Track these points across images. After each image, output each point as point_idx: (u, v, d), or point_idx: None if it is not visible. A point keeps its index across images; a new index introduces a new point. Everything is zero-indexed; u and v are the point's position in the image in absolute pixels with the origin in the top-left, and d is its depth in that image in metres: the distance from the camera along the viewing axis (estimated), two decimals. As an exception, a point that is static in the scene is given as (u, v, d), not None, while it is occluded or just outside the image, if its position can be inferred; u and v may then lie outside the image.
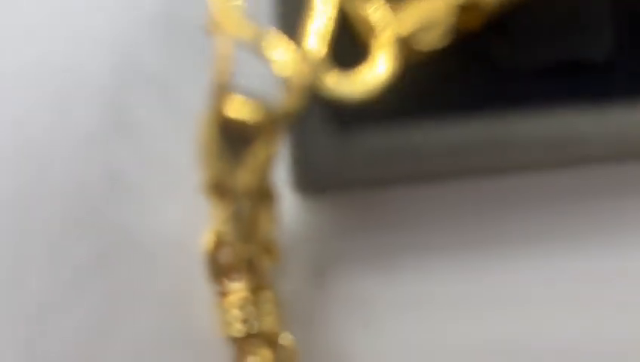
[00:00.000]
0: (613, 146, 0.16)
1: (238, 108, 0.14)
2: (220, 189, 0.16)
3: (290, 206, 0.18)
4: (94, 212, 0.18)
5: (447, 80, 0.16)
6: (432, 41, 0.14)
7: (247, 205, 0.17)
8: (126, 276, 0.18)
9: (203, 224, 0.17)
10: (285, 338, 0.18)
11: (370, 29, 0.14)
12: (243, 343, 0.18)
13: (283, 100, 0.14)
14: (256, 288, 0.18)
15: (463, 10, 0.15)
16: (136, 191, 0.18)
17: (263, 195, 0.17)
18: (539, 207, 0.18)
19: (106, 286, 0.18)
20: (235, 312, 0.17)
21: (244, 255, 0.17)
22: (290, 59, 0.13)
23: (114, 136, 0.18)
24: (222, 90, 0.14)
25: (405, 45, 0.14)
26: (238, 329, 0.18)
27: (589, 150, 0.16)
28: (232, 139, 0.15)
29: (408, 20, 0.14)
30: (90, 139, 0.18)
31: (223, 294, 0.18)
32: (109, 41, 0.19)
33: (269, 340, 0.18)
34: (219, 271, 0.18)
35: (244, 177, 0.15)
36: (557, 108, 0.16)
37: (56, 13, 0.20)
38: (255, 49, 0.14)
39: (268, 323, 0.18)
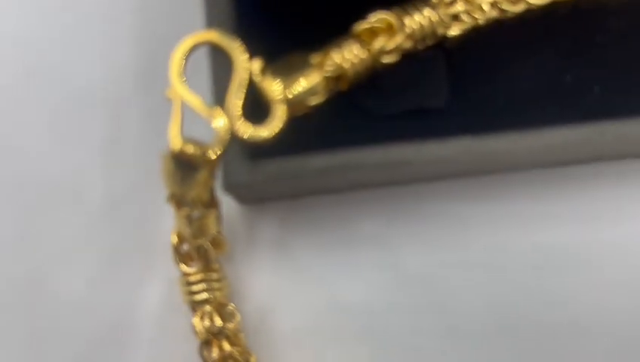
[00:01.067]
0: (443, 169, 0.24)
1: (189, 148, 0.22)
2: (177, 201, 0.23)
3: (231, 211, 0.26)
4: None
5: (329, 121, 0.23)
6: (313, 100, 0.22)
7: (198, 212, 0.24)
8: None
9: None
10: (230, 307, 0.25)
11: (270, 96, 0.21)
12: (198, 309, 0.25)
13: (216, 142, 0.21)
14: (207, 270, 0.25)
15: (332, 79, 0.22)
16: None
17: (209, 204, 0.24)
18: (386, 210, 0.25)
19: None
20: (192, 287, 0.25)
21: (197, 247, 0.25)
22: (219, 119, 0.21)
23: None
24: (176, 138, 0.21)
25: (293, 105, 0.21)
26: (194, 298, 0.25)
27: (424, 171, 0.24)
28: (185, 168, 0.22)
29: (296, 89, 0.22)
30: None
31: (184, 275, 0.25)
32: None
33: (218, 308, 0.26)
34: (181, 259, 0.25)
35: (193, 192, 0.23)
36: (410, 141, 0.24)
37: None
38: (199, 112, 0.21)
39: (217, 295, 0.25)
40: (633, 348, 0.26)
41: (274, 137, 0.21)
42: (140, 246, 0.25)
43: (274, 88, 0.21)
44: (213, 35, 0.22)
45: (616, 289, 0.26)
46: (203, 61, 0.22)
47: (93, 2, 0.27)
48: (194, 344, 0.24)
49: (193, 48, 0.22)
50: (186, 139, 0.21)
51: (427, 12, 0.23)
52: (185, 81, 0.21)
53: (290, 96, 0.21)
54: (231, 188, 0.22)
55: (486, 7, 0.24)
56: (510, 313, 0.26)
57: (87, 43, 0.25)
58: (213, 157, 0.21)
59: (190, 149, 0.21)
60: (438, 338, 0.26)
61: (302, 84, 0.22)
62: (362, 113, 0.24)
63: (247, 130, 0.21)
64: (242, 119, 0.21)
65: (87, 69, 0.25)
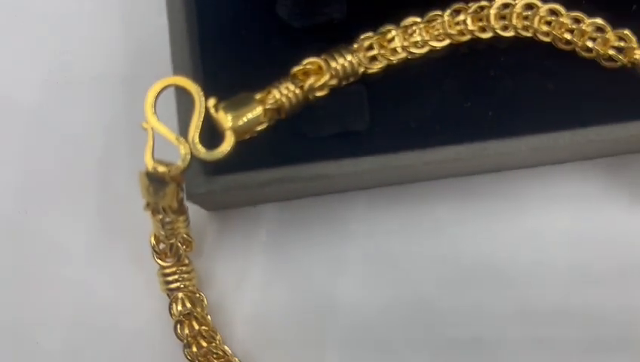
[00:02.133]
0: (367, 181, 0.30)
1: (160, 167, 0.28)
2: (152, 209, 0.29)
3: (199, 217, 0.32)
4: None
5: (272, 144, 0.29)
6: (258, 127, 0.28)
7: (169, 217, 0.30)
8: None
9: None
10: (198, 294, 0.31)
11: (222, 126, 0.27)
12: (172, 295, 0.31)
13: (180, 163, 0.27)
14: (179, 264, 0.31)
15: (273, 111, 0.28)
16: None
17: (178, 211, 0.30)
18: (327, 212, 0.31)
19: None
20: (167, 278, 0.31)
21: (170, 246, 0.31)
22: (182, 145, 0.27)
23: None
24: (149, 159, 0.27)
25: (241, 132, 0.27)
26: (169, 287, 0.31)
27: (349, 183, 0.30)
28: (157, 183, 0.28)
29: (243, 119, 0.27)
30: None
31: (161, 268, 0.31)
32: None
33: (188, 295, 0.31)
34: (158, 255, 0.31)
35: (164, 202, 0.28)
36: (335, 159, 0.30)
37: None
38: (168, 139, 0.27)
39: (187, 284, 0.31)
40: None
41: (225, 157, 0.27)
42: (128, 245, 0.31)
43: (225, 120, 0.27)
44: (178, 80, 0.28)
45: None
46: (171, 98, 0.28)
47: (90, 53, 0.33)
48: (170, 324, 0.31)
49: (163, 90, 0.28)
50: (157, 161, 0.27)
51: (349, 56, 0.29)
52: (156, 114, 0.27)
53: (239, 125, 0.27)
54: (192, 197, 0.28)
55: (398, 50, 0.30)
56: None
57: (84, 85, 0.32)
58: (178, 173, 0.27)
59: (160, 168, 0.27)
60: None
61: (248, 115, 0.28)
62: (299, 137, 0.30)
63: (204, 153, 0.27)
64: (200, 144, 0.27)
65: (86, 110, 0.32)
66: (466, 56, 0.31)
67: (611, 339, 0.32)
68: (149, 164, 0.27)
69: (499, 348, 0.32)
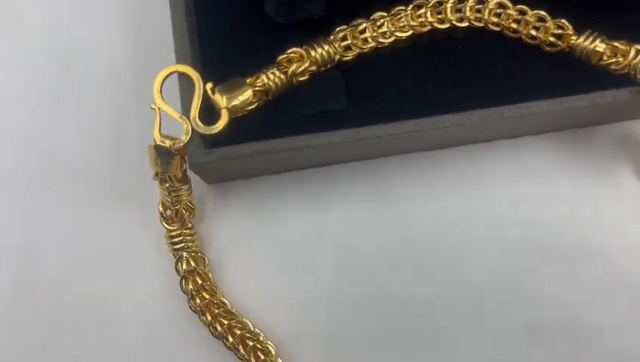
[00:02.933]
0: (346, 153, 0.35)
1: (166, 142, 0.32)
2: (160, 179, 0.34)
3: (201, 188, 0.37)
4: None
5: (261, 121, 0.34)
6: (249, 107, 0.33)
7: (175, 186, 0.35)
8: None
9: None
10: (200, 253, 0.36)
11: (218, 106, 0.32)
12: (177, 255, 0.36)
13: (184, 137, 0.32)
14: (183, 228, 0.36)
15: (262, 93, 0.33)
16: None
17: (182, 181, 0.35)
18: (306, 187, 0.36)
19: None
20: (173, 240, 0.36)
21: (175, 211, 0.35)
22: (185, 122, 0.31)
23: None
24: (157, 135, 0.32)
25: (234, 111, 0.32)
26: (175, 248, 0.36)
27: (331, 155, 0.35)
28: (164, 155, 0.33)
29: (236, 100, 0.32)
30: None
31: (168, 231, 0.36)
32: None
33: (193, 256, 0.36)
34: (166, 220, 0.36)
35: (172, 172, 0.33)
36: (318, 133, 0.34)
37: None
38: (173, 117, 0.32)
39: (190, 245, 0.36)
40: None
41: (221, 132, 0.32)
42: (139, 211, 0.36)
43: (220, 100, 0.32)
44: (181, 67, 0.33)
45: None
46: (175, 84, 0.33)
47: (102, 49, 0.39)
48: (176, 279, 0.35)
49: (168, 76, 0.33)
50: (164, 136, 0.32)
51: (326, 46, 0.34)
52: (162, 97, 0.32)
53: (232, 105, 0.32)
54: (194, 167, 0.33)
55: (368, 40, 0.35)
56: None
57: (104, 75, 0.38)
58: (181, 146, 0.32)
59: (166, 142, 0.32)
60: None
61: (240, 97, 0.33)
62: (284, 115, 0.34)
63: (203, 128, 0.32)
64: (199, 121, 0.32)
65: (102, 94, 0.37)
66: (428, 44, 0.36)
67: (558, 319, 0.36)
68: (157, 138, 0.32)
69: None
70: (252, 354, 0.34)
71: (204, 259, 0.36)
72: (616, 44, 0.33)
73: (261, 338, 0.35)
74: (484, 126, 0.34)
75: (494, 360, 0.35)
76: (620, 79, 0.33)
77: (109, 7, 0.39)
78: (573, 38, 0.34)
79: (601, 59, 0.34)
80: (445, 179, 0.38)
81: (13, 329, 0.36)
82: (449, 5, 0.35)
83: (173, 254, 0.36)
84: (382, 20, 0.35)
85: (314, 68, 0.34)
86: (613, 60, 0.33)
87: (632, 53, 0.33)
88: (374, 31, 0.35)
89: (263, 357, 0.34)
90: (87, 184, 0.37)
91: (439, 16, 0.35)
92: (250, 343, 0.35)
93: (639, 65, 0.32)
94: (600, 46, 0.33)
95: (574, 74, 0.34)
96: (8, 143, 0.38)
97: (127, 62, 0.38)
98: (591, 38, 0.34)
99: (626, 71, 0.33)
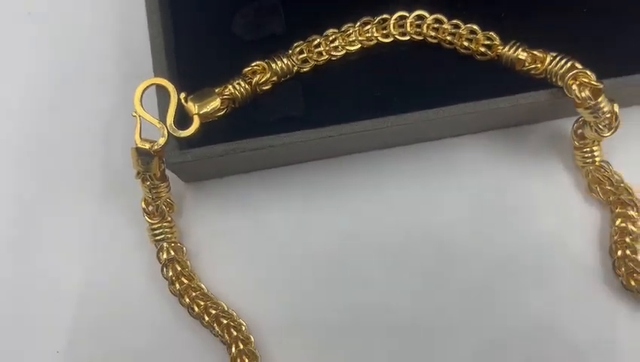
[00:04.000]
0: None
1: (145, 144, 0.37)
2: (142, 178, 0.38)
3: (179, 187, 0.42)
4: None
5: (228, 126, 0.39)
6: (217, 114, 0.38)
7: (155, 184, 0.39)
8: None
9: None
10: (179, 244, 0.41)
11: (190, 113, 0.37)
12: (158, 245, 0.40)
13: (161, 140, 0.37)
14: (163, 222, 0.40)
15: (229, 101, 0.38)
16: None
17: (161, 179, 0.39)
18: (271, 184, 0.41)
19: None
20: (154, 232, 0.40)
21: (156, 207, 0.40)
22: (162, 127, 0.36)
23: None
24: (138, 139, 0.37)
25: (205, 117, 0.37)
26: (156, 239, 0.40)
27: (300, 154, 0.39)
28: (145, 156, 0.38)
29: (206, 108, 0.37)
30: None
31: (150, 224, 0.41)
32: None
33: (173, 246, 0.41)
34: (148, 215, 0.41)
35: (152, 171, 0.38)
36: (279, 135, 0.39)
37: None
38: (151, 123, 0.37)
39: (169, 237, 0.41)
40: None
41: (193, 135, 0.37)
42: (123, 207, 0.41)
43: (192, 108, 0.37)
44: (158, 80, 0.37)
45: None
46: (153, 94, 0.38)
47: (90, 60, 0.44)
48: (158, 267, 0.40)
49: (147, 88, 0.37)
50: (144, 139, 0.37)
51: (285, 60, 0.39)
52: (142, 106, 0.37)
53: (203, 112, 0.37)
54: (171, 166, 0.38)
55: (323, 53, 0.40)
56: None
57: (92, 86, 0.43)
58: (159, 148, 0.37)
59: (146, 145, 0.37)
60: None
61: (209, 105, 0.37)
62: (249, 121, 0.39)
63: (178, 133, 0.37)
64: (175, 126, 0.37)
65: (91, 103, 0.42)
66: (376, 56, 0.41)
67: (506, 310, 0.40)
68: (138, 141, 0.37)
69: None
70: (225, 331, 0.39)
71: (182, 248, 0.41)
72: (535, 52, 0.38)
73: (234, 317, 0.40)
74: (424, 125, 0.39)
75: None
76: (540, 82, 0.38)
77: (100, 31, 0.45)
78: (500, 48, 0.39)
79: (523, 65, 0.39)
80: (393, 176, 0.43)
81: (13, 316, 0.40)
82: (392, 22, 0.40)
83: (155, 245, 0.40)
84: (333, 36, 0.40)
85: (275, 78, 0.39)
86: (533, 66, 0.38)
87: (548, 59, 0.38)
88: (327, 45, 0.40)
89: (235, 333, 0.39)
90: (78, 184, 0.42)
91: (384, 32, 0.40)
92: (224, 321, 0.39)
93: (554, 70, 0.38)
94: (522, 54, 0.39)
95: (502, 79, 0.39)
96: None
97: (113, 77, 0.43)
98: (514, 48, 0.39)
99: (544, 75, 0.38)
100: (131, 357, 0.39)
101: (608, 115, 0.37)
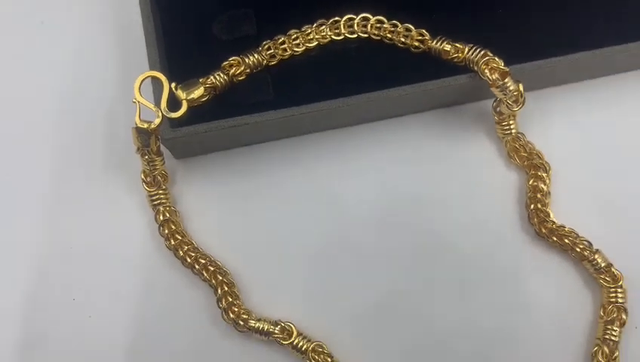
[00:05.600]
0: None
1: (144, 125, 0.46)
2: (141, 153, 0.47)
3: (172, 162, 0.50)
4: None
5: (211, 109, 0.47)
6: (202, 99, 0.46)
7: (152, 158, 0.48)
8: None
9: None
10: (173, 208, 0.49)
11: (179, 99, 0.46)
12: (155, 209, 0.49)
13: (157, 121, 0.46)
14: (159, 190, 0.49)
15: (211, 89, 0.47)
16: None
17: (157, 153, 0.48)
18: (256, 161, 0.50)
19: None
20: (152, 198, 0.49)
21: (153, 177, 0.49)
22: (157, 111, 0.45)
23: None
24: (138, 120, 0.45)
25: (191, 102, 0.46)
26: (154, 204, 0.49)
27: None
28: (144, 134, 0.46)
29: (192, 94, 0.46)
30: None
31: (148, 192, 0.49)
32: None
33: (167, 209, 0.49)
34: (146, 184, 0.49)
35: (150, 146, 0.47)
36: (252, 115, 0.48)
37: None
38: (149, 107, 0.46)
39: (164, 203, 0.49)
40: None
41: (182, 117, 0.46)
42: (126, 178, 0.50)
43: (181, 95, 0.46)
44: (153, 73, 0.46)
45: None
46: (149, 84, 0.47)
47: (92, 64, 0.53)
48: (155, 226, 0.49)
49: (144, 79, 0.46)
50: (143, 120, 0.45)
51: (257, 55, 0.48)
52: (141, 93, 0.46)
53: (189, 98, 0.46)
54: (165, 142, 0.47)
55: (287, 49, 0.49)
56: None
57: (95, 76, 0.52)
58: (155, 127, 0.46)
59: (144, 125, 0.46)
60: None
61: (195, 92, 0.46)
62: (228, 105, 0.48)
63: (169, 114, 0.45)
64: (167, 109, 0.45)
65: (97, 93, 0.51)
66: (331, 51, 0.50)
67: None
68: (138, 122, 0.45)
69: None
70: (212, 277, 0.48)
71: (175, 212, 0.49)
72: (457, 44, 0.47)
73: (219, 266, 0.48)
74: (371, 105, 0.48)
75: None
76: (462, 69, 0.48)
77: (104, 37, 0.54)
78: (430, 42, 0.48)
79: (448, 55, 0.48)
80: (352, 151, 0.52)
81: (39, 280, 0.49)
82: (342, 23, 0.49)
83: (153, 209, 0.49)
84: (295, 35, 0.49)
85: (248, 70, 0.48)
86: (455, 56, 0.48)
87: (466, 50, 0.47)
88: (290, 43, 0.49)
89: (220, 278, 0.48)
90: (88, 159, 0.50)
91: (336, 31, 0.49)
92: (211, 268, 0.48)
93: (471, 58, 0.47)
94: (447, 46, 0.48)
95: (432, 67, 0.48)
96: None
97: (116, 72, 0.53)
98: (441, 42, 0.48)
99: (464, 62, 0.47)
100: (136, 298, 0.48)
101: (515, 93, 0.46)
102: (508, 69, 0.46)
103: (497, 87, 0.46)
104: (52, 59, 0.54)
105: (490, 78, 0.46)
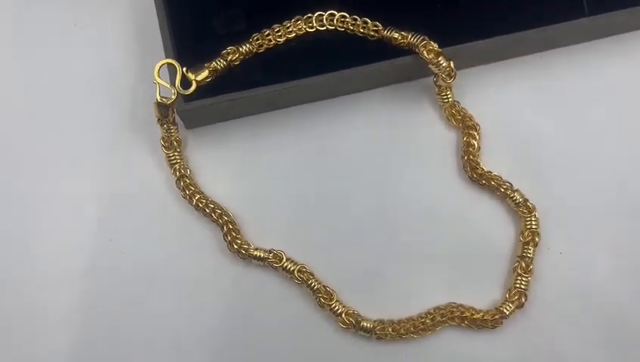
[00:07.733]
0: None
1: (163, 100, 0.59)
2: (161, 123, 0.61)
3: (185, 131, 0.64)
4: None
5: (215, 86, 0.61)
6: (207, 80, 0.60)
7: (169, 127, 0.61)
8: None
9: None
10: (188, 167, 0.63)
11: (190, 80, 0.59)
12: (172, 167, 0.62)
13: (173, 96, 0.59)
14: (175, 152, 0.62)
15: (214, 72, 0.60)
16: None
17: (173, 123, 0.61)
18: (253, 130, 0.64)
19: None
20: (169, 158, 0.62)
21: (170, 141, 0.62)
22: (173, 89, 0.58)
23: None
24: (158, 96, 0.59)
25: (199, 82, 0.59)
26: (171, 163, 0.62)
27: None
28: (162, 107, 0.60)
29: (200, 77, 0.59)
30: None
31: (167, 155, 0.62)
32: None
33: (181, 167, 0.62)
34: (165, 148, 0.62)
35: (167, 117, 0.60)
36: (247, 90, 0.61)
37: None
38: (166, 87, 0.59)
39: (179, 161, 0.62)
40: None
41: (192, 94, 0.59)
42: (148, 143, 0.63)
43: (191, 77, 0.59)
44: (169, 60, 0.60)
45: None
46: (165, 69, 0.60)
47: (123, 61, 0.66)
48: (173, 181, 0.62)
49: (162, 65, 0.59)
50: (162, 97, 0.59)
51: (248, 45, 0.62)
52: (160, 76, 0.59)
53: (197, 79, 0.59)
54: (180, 113, 0.60)
55: (271, 40, 0.63)
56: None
57: (126, 67, 0.66)
58: (171, 102, 0.59)
59: (163, 100, 0.59)
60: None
61: (201, 75, 0.60)
62: (227, 84, 0.61)
63: (183, 92, 0.59)
64: (181, 88, 0.59)
65: (124, 76, 0.64)
66: (306, 40, 0.63)
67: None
68: (158, 98, 0.59)
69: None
70: (219, 218, 0.61)
71: (188, 169, 0.63)
72: (403, 32, 0.61)
73: (224, 209, 0.62)
74: (338, 82, 0.62)
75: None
76: (407, 51, 0.61)
77: (127, 33, 0.67)
78: (383, 31, 0.62)
79: (397, 41, 0.62)
80: (332, 123, 0.65)
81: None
82: (314, 18, 0.63)
83: (170, 167, 0.62)
84: (277, 28, 0.62)
85: (242, 57, 0.62)
86: (402, 41, 0.61)
87: (410, 36, 0.61)
88: (274, 35, 0.62)
89: (225, 218, 0.61)
90: (120, 129, 0.64)
91: (310, 24, 0.63)
92: (218, 211, 0.61)
93: (414, 42, 0.60)
94: (395, 35, 0.61)
95: (385, 51, 0.62)
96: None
97: (140, 60, 0.66)
98: (390, 31, 0.62)
99: (409, 47, 0.61)
100: (159, 235, 0.61)
101: (447, 68, 0.60)
102: (441, 50, 0.60)
103: (433, 65, 0.60)
104: (84, 55, 0.67)
105: (427, 57, 0.60)
